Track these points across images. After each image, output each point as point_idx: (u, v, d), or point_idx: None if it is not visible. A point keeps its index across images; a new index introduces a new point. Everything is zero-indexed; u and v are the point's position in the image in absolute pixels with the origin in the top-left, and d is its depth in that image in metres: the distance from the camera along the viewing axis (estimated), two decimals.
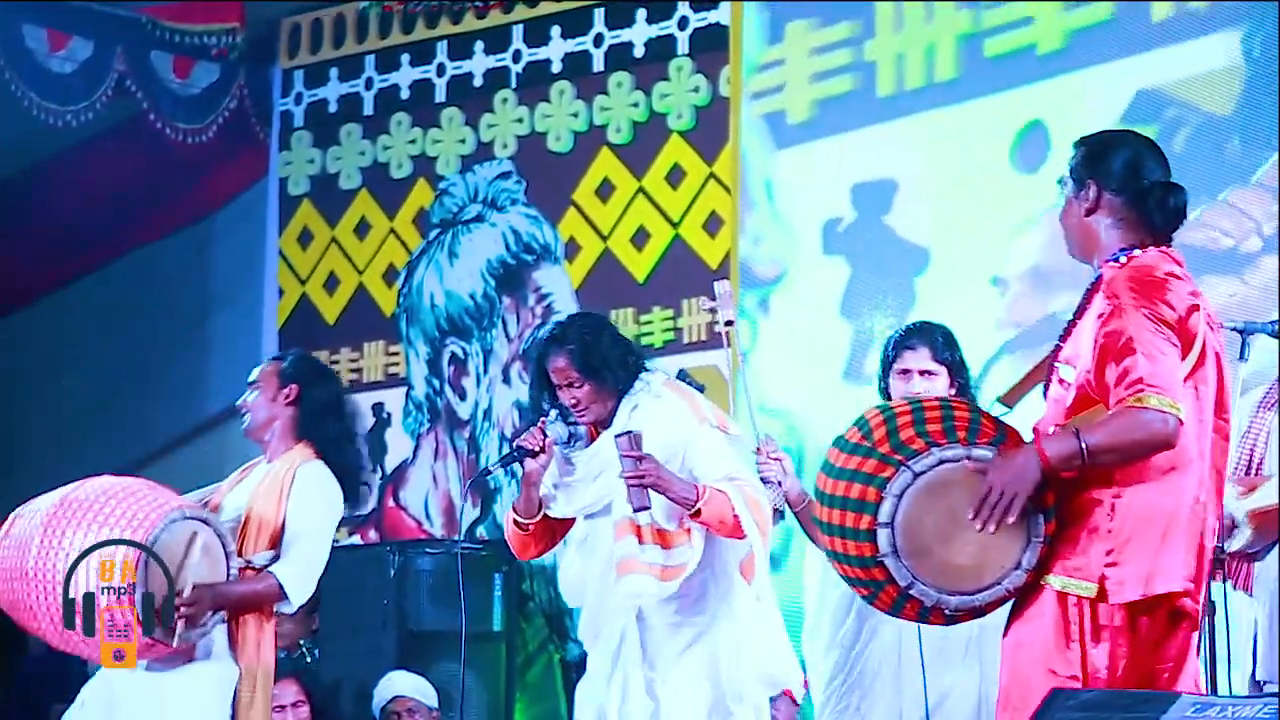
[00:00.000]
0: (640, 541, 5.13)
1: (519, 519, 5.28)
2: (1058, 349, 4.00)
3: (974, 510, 3.81)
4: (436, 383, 9.64)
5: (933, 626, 4.15)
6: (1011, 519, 3.80)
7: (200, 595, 5.14)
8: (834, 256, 7.86)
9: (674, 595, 5.15)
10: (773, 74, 8.00)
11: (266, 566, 5.32)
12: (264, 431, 5.54)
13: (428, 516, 9.55)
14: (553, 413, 5.24)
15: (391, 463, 9.71)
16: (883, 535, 3.85)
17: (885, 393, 5.37)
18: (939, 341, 5.37)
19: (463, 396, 9.55)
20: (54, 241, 9.80)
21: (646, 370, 5.27)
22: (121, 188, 9.83)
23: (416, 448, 9.66)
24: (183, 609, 5.08)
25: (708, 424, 5.19)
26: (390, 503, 9.59)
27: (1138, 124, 6.70)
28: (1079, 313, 3.98)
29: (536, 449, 5.17)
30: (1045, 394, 4.03)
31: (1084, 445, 3.76)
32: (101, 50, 9.50)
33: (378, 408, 9.81)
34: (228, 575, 5.23)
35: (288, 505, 5.36)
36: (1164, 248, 3.98)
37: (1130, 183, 3.99)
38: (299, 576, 5.33)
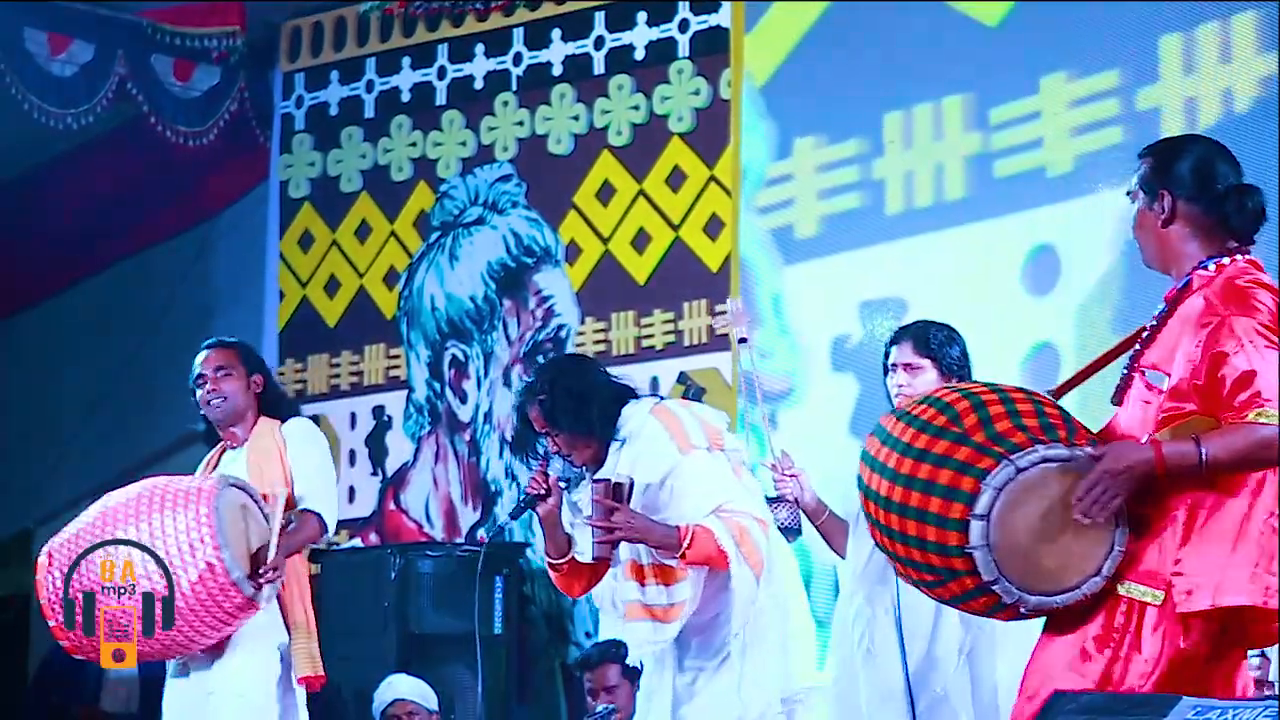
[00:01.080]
0: (642, 585, 5.12)
1: (550, 561, 5.27)
2: (1138, 354, 3.95)
3: (1076, 496, 3.76)
4: (437, 385, 9.64)
5: (997, 621, 4.14)
6: (1109, 512, 3.77)
7: (277, 554, 5.37)
8: (843, 374, 7.80)
9: (688, 639, 5.14)
10: (781, 189, 7.99)
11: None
12: (238, 420, 5.65)
13: (428, 519, 9.55)
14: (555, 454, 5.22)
15: (392, 465, 9.71)
16: (977, 527, 3.77)
17: (890, 397, 5.37)
18: (925, 336, 5.38)
19: (463, 399, 9.55)
20: (55, 244, 9.81)
21: (633, 401, 5.19)
22: (122, 191, 9.84)
23: (417, 450, 9.66)
24: (270, 571, 5.32)
25: (696, 449, 5.12)
26: (391, 505, 9.59)
27: None
28: (1163, 320, 3.95)
29: (543, 492, 5.14)
30: (1119, 398, 3.98)
31: (1204, 454, 3.74)
32: (102, 53, 9.50)
33: (378, 410, 9.81)
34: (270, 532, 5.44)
35: (290, 462, 5.59)
36: (1249, 255, 3.97)
37: (1205, 189, 3.96)
38: (330, 507, 5.61)
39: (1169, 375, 3.86)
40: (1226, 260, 3.94)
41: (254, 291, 10.18)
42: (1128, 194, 4.11)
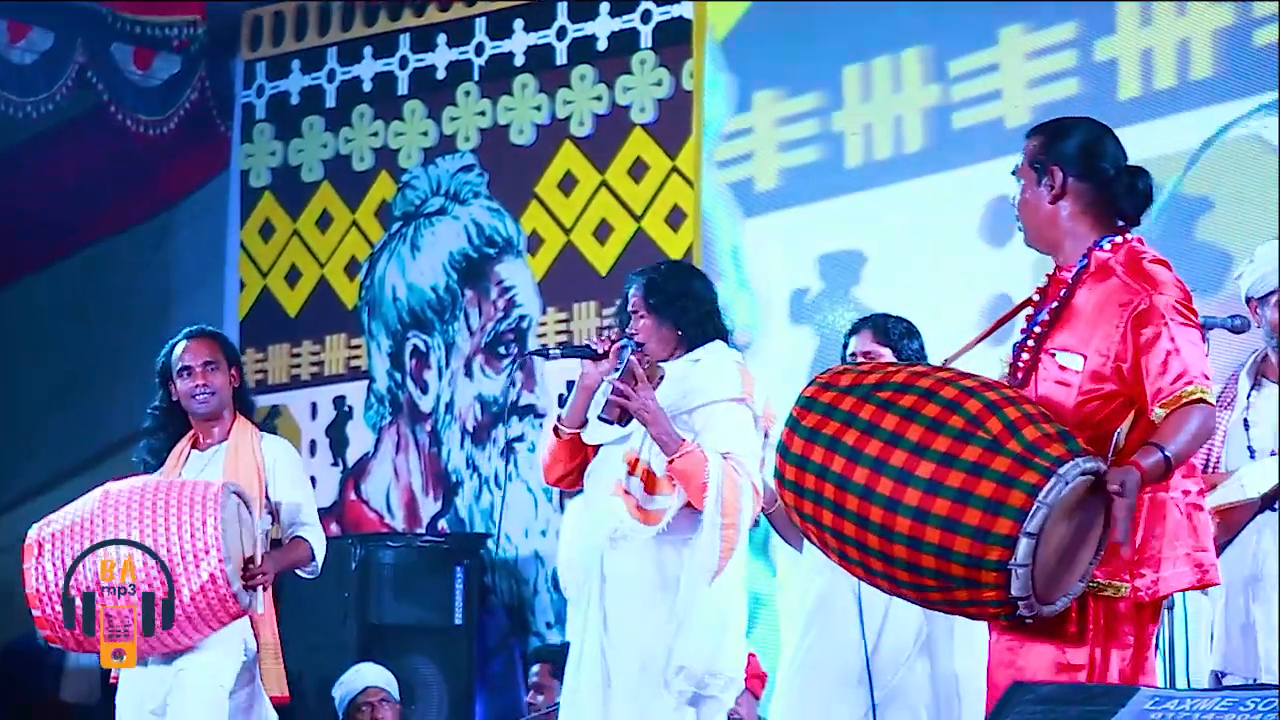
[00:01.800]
0: (630, 473, 5.18)
1: (559, 425, 5.30)
2: (1044, 336, 3.95)
3: (1120, 534, 3.74)
4: (398, 376, 9.63)
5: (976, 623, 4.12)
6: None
7: (267, 562, 5.40)
8: (802, 326, 7.84)
9: (644, 558, 5.16)
10: (740, 142, 8.00)
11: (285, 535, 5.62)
12: (219, 415, 5.65)
13: (389, 510, 9.54)
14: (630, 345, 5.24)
15: (353, 456, 9.69)
16: (1025, 545, 3.65)
17: None
18: (884, 326, 5.41)
19: (424, 390, 9.53)
20: (13, 233, 9.75)
21: (724, 343, 5.27)
22: (82, 180, 9.79)
23: (378, 441, 9.65)
24: (259, 576, 5.33)
25: (746, 405, 5.19)
26: (352, 496, 9.58)
27: None
28: (1066, 301, 3.95)
29: (602, 352, 5.18)
30: (1024, 379, 3.98)
31: (1169, 456, 3.78)
32: (62, 41, 9.45)
33: (339, 400, 9.79)
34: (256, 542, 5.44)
35: (274, 479, 5.57)
36: (1139, 236, 4.02)
37: (1094, 168, 4.00)
38: (320, 542, 5.61)
39: (1084, 356, 3.88)
40: (1120, 240, 3.98)
41: (214, 281, 10.15)
42: (1013, 173, 4.11)
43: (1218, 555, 4.90)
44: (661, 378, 5.21)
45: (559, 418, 5.32)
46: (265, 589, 5.42)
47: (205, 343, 5.67)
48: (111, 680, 5.58)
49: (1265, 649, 4.98)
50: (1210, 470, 5.07)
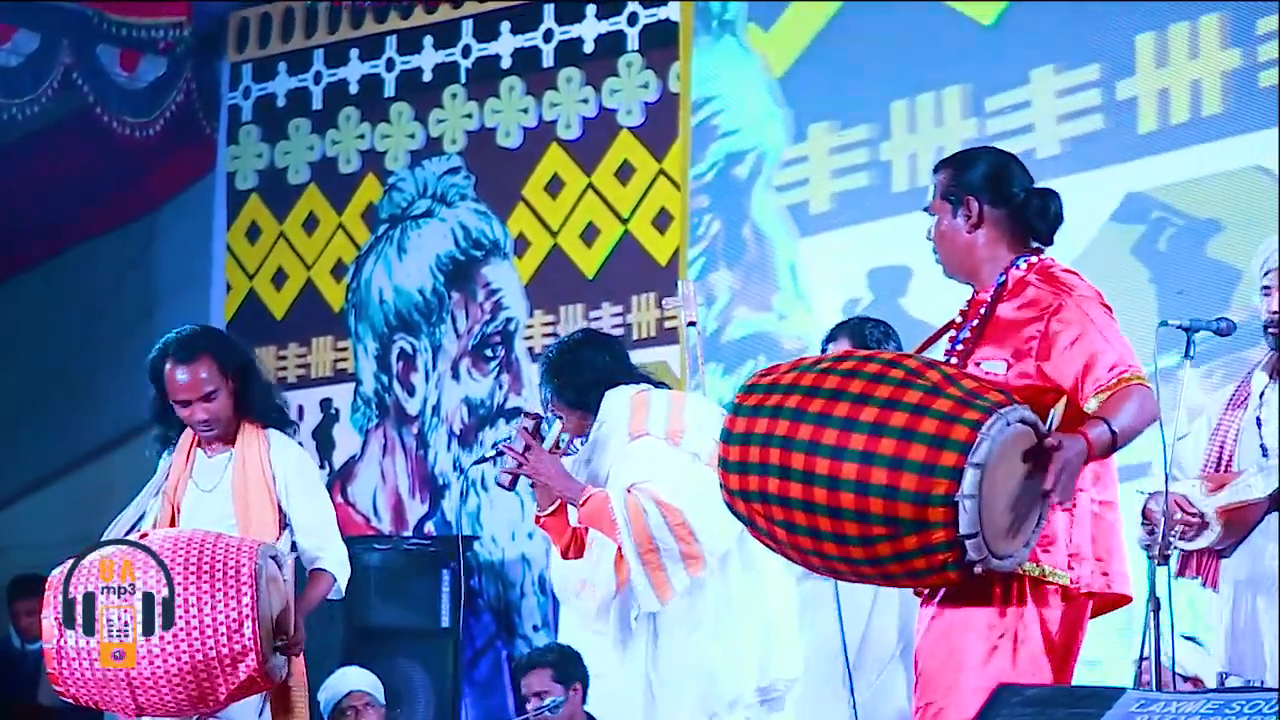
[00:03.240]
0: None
1: (536, 513, 5.43)
2: (968, 353, 4.08)
3: (1051, 482, 3.81)
4: (385, 378, 9.61)
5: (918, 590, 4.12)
6: (1070, 496, 3.89)
7: (300, 628, 5.23)
8: None
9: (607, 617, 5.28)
10: (797, 169, 8.55)
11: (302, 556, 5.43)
12: (225, 433, 5.44)
13: (375, 513, 9.53)
14: (554, 420, 5.40)
15: (340, 458, 9.68)
16: (972, 475, 3.70)
17: None
18: (861, 331, 5.43)
19: (411, 392, 9.52)
20: None
21: (620, 387, 5.36)
22: (67, 181, 9.77)
23: (365, 443, 9.64)
24: (296, 647, 5.19)
25: (647, 436, 5.26)
26: (338, 498, 9.56)
27: (1126, 224, 7.48)
28: (986, 320, 4.09)
29: (520, 448, 5.27)
30: None
31: (1114, 431, 3.88)
32: (47, 43, 9.43)
33: (326, 403, 9.78)
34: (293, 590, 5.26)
35: (287, 494, 5.39)
36: (1050, 256, 4.17)
37: (1004, 194, 4.16)
38: (342, 563, 5.45)
39: (1008, 363, 4.01)
40: (1034, 260, 4.14)
41: (201, 283, 10.13)
42: (925, 209, 4.25)
43: (1226, 556, 4.96)
44: (558, 434, 5.32)
45: (539, 503, 5.45)
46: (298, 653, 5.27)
47: (198, 367, 5.34)
48: None
49: (1270, 651, 4.97)
50: (1222, 470, 5.06)
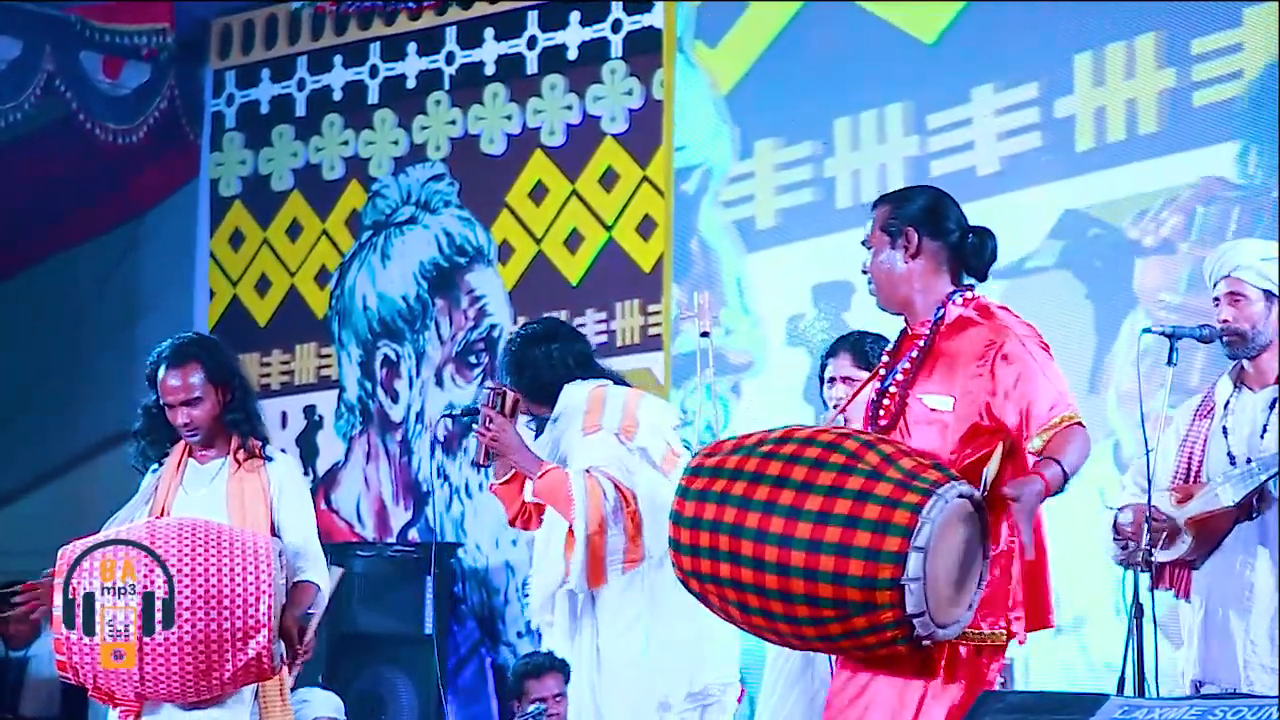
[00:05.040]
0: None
1: (491, 480, 5.50)
2: (908, 383, 4.17)
3: (1024, 533, 3.91)
4: (369, 385, 9.61)
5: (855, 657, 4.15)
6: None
7: (310, 641, 5.30)
8: (796, 348, 8.39)
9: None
10: (743, 185, 8.64)
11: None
12: (212, 439, 5.44)
13: (359, 519, 9.52)
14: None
15: (323, 465, 9.67)
16: (915, 559, 3.80)
17: (829, 407, 5.39)
18: (862, 348, 5.41)
19: (395, 399, 9.52)
20: None
21: (578, 382, 5.43)
22: (51, 188, 9.76)
23: (348, 450, 9.63)
24: (303, 655, 5.28)
25: (600, 430, 5.33)
26: (322, 505, 9.55)
27: (1064, 240, 7.56)
28: (926, 351, 4.17)
29: (484, 420, 5.37)
30: (890, 423, 4.17)
31: (1065, 469, 3.98)
32: (30, 50, 9.42)
33: (310, 410, 9.77)
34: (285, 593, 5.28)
35: (279, 504, 5.40)
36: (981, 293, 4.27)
37: (941, 228, 4.27)
38: (325, 576, 5.46)
39: (954, 398, 4.10)
40: (970, 295, 4.24)
41: (184, 290, 10.12)
42: (863, 243, 4.35)
43: (1197, 567, 5.00)
44: (515, 401, 5.37)
45: (495, 473, 5.51)
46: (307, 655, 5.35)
47: (186, 370, 5.37)
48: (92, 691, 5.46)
49: (1243, 659, 4.98)
50: (1192, 480, 5.07)
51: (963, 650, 4.04)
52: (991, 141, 7.84)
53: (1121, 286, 7.39)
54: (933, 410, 4.11)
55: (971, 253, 4.26)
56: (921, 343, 4.19)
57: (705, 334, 5.86)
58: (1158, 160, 7.38)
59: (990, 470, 4.02)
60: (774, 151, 8.50)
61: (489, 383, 5.47)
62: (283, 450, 5.76)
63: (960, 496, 3.88)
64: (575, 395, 5.40)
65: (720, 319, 8.39)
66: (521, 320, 9.12)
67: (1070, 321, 7.39)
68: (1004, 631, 4.07)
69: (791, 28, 8.47)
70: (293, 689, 5.57)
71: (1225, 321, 5.04)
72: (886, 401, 4.19)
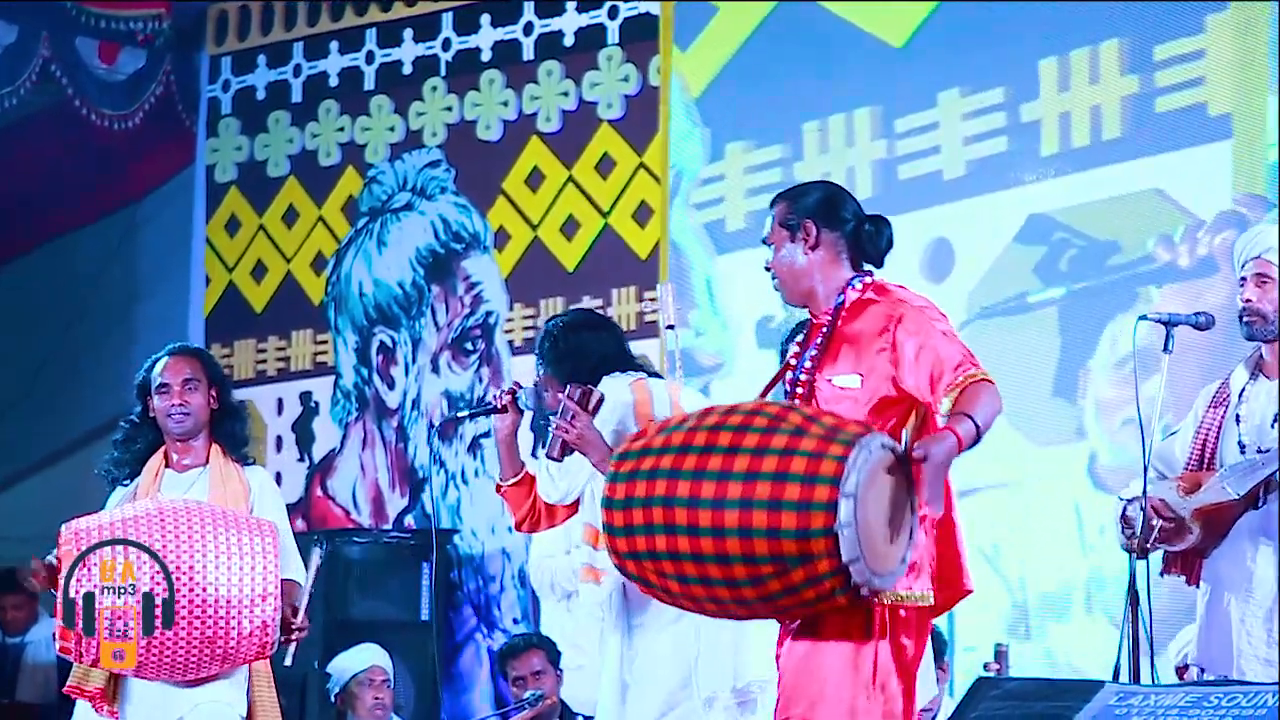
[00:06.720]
0: (595, 548, 5.35)
1: (498, 480, 5.44)
2: (815, 368, 4.29)
3: (923, 495, 3.99)
4: (365, 371, 9.61)
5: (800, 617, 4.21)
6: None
7: (304, 616, 5.37)
8: (766, 350, 8.39)
9: (630, 599, 5.27)
10: (713, 187, 8.71)
11: None
12: (195, 436, 5.47)
13: (355, 505, 9.52)
14: (532, 386, 5.44)
15: (319, 452, 9.67)
16: (846, 505, 3.87)
17: None
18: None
19: (391, 385, 9.52)
20: None
21: (617, 375, 5.38)
22: (46, 174, 9.75)
23: (344, 437, 9.63)
24: (300, 633, 5.35)
25: (624, 427, 5.28)
26: (318, 492, 9.56)
27: (1030, 244, 7.67)
28: (830, 338, 4.29)
29: (502, 406, 5.35)
30: (801, 401, 4.27)
31: (977, 424, 4.06)
32: (26, 35, 9.40)
33: (305, 396, 9.77)
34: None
35: (259, 506, 5.42)
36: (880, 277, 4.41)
37: (838, 219, 4.39)
38: (303, 571, 5.50)
39: (862, 376, 4.24)
40: (869, 280, 4.38)
41: (180, 276, 10.12)
42: (764, 241, 4.46)
43: (1207, 555, 5.00)
44: (600, 399, 5.31)
45: (501, 474, 5.45)
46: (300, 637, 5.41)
47: (187, 360, 5.50)
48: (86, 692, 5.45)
49: (1238, 648, 4.98)
50: (1205, 467, 5.06)
51: (890, 612, 4.14)
52: (958, 146, 7.97)
53: (1091, 290, 7.47)
54: (842, 389, 4.24)
55: (868, 240, 4.39)
56: (825, 329, 4.31)
57: (670, 327, 5.88)
58: (1121, 165, 7.50)
59: (907, 433, 4.14)
60: (744, 154, 8.58)
61: (518, 384, 5.37)
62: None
63: (883, 447, 3.97)
64: (617, 388, 5.35)
65: (690, 320, 8.50)
66: (519, 306, 9.14)
67: (1033, 324, 7.50)
68: (929, 593, 4.17)
69: (761, 31, 8.56)
70: (289, 667, 5.60)
71: (1248, 301, 5.00)
72: (799, 389, 4.31)
